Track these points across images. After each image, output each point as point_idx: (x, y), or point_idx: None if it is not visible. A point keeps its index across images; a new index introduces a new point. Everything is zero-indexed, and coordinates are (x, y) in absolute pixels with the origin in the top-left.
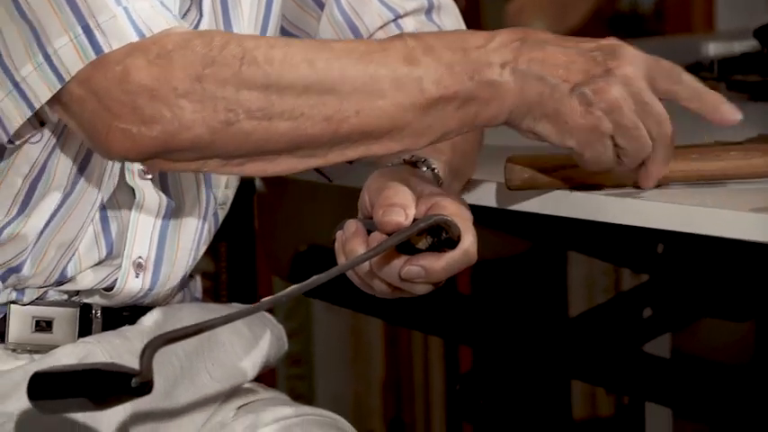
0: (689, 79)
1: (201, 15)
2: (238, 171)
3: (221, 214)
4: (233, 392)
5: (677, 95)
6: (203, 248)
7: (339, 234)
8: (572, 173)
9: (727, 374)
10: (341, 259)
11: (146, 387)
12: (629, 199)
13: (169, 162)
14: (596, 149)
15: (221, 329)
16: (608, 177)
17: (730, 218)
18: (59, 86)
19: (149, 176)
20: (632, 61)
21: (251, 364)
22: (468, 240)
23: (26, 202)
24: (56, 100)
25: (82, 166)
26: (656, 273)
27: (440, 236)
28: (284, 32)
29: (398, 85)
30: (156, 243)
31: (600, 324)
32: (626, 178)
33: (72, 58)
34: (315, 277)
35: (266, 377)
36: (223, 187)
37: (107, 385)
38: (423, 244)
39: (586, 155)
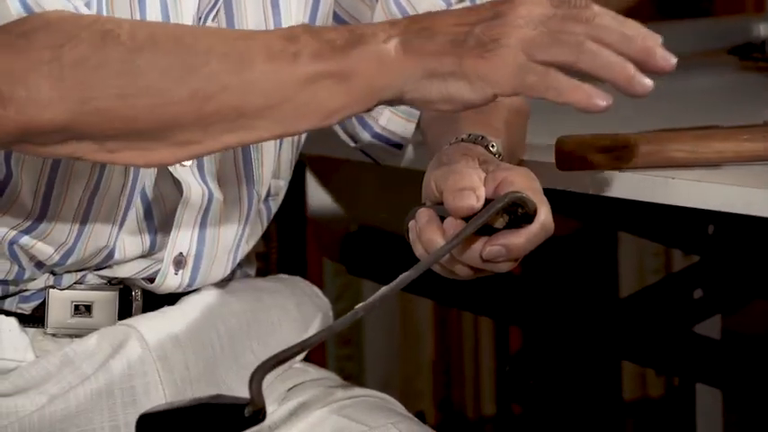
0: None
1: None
2: (110, 159)
3: (273, 205)
4: (282, 373)
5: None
6: (248, 246)
7: (412, 224)
8: (622, 153)
9: None
10: (418, 249)
11: (259, 415)
12: (680, 180)
13: (37, 146)
14: (528, 81)
15: (270, 309)
16: (659, 158)
17: None
18: None
19: (187, 164)
20: (526, 2)
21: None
22: (544, 213)
23: (48, 197)
24: None
25: None
26: (706, 254)
27: (516, 212)
28: (338, 20)
29: (271, 58)
30: (197, 239)
31: (650, 305)
32: (677, 159)
33: None
34: (403, 275)
35: (316, 357)
36: (268, 179)
37: (218, 418)
38: (500, 223)
39: (522, 91)
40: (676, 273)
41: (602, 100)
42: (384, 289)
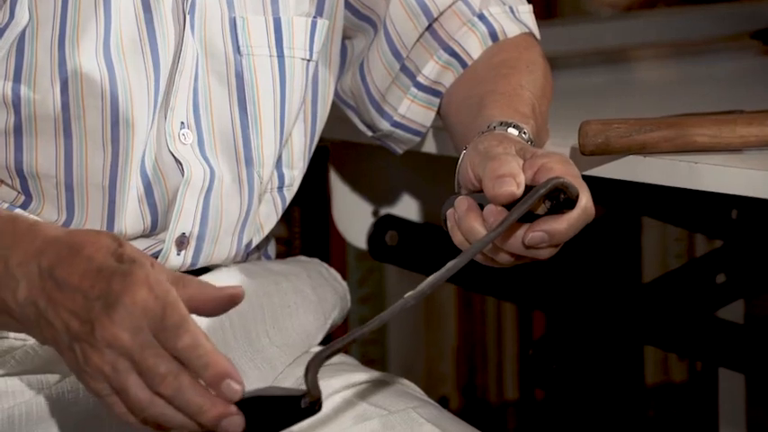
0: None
1: None
2: None
3: (288, 195)
4: (301, 356)
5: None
6: (260, 233)
7: (450, 212)
8: (646, 138)
9: None
10: (457, 237)
11: (315, 405)
12: (704, 164)
13: None
14: (111, 399)
15: (286, 293)
16: (682, 143)
17: None
18: None
19: (187, 142)
20: (122, 322)
21: (316, 327)
22: (585, 197)
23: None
24: None
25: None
26: (730, 238)
27: (558, 198)
28: (354, 11)
29: None
30: (200, 219)
31: (673, 290)
32: (701, 144)
33: None
34: (450, 263)
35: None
36: (270, 163)
37: (274, 411)
38: (542, 209)
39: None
40: (699, 257)
41: None
42: (432, 277)
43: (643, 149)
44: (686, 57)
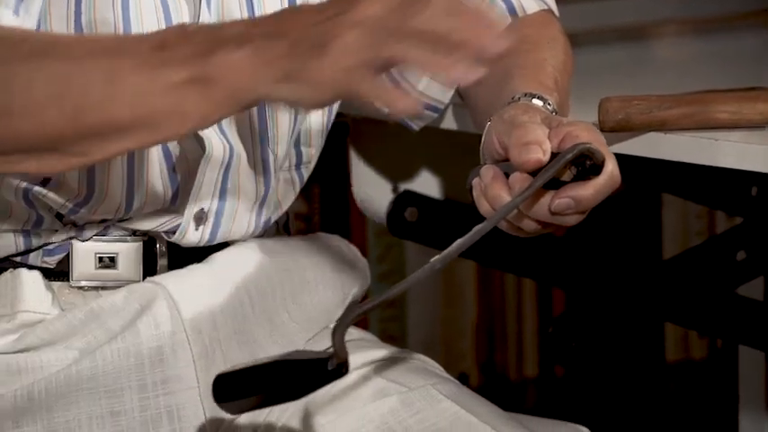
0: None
1: None
2: (7, 169)
3: (305, 172)
4: (321, 331)
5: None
6: (279, 210)
7: (476, 182)
8: (666, 115)
9: None
10: (483, 206)
11: (342, 368)
12: (724, 141)
13: None
14: (355, 87)
15: (306, 269)
16: (702, 119)
17: None
18: None
19: None
20: (368, 3)
21: (336, 304)
22: (612, 164)
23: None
24: None
25: None
26: (750, 215)
27: (584, 164)
28: None
29: (138, 69)
30: (218, 195)
31: (693, 267)
32: (721, 121)
33: None
34: (477, 227)
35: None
36: (286, 140)
37: (301, 374)
38: (567, 176)
39: (351, 97)
40: (719, 234)
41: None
42: (459, 241)
43: (663, 126)
44: (704, 33)
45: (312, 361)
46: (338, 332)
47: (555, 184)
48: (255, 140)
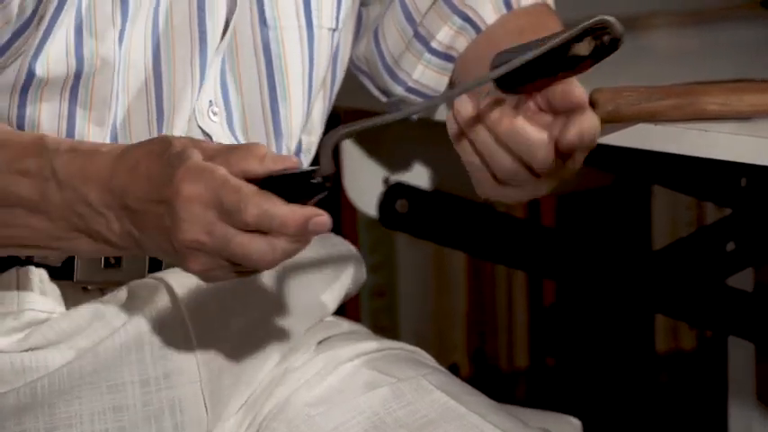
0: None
1: None
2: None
3: (305, 161)
4: (314, 325)
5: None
6: None
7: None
8: (656, 106)
9: None
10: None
11: (326, 182)
12: (713, 132)
13: None
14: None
15: (300, 262)
16: (691, 111)
17: None
18: None
19: (216, 119)
20: (191, 226)
21: (331, 298)
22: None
23: None
24: None
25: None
26: (739, 206)
27: (601, 38)
28: None
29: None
30: None
31: (683, 258)
32: (710, 112)
33: None
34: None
35: (350, 310)
36: (298, 134)
37: (287, 189)
38: (585, 49)
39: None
40: (709, 225)
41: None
42: (465, 84)
43: (653, 117)
44: (696, 25)
45: (297, 174)
46: (326, 145)
47: (572, 63)
48: (270, 136)
